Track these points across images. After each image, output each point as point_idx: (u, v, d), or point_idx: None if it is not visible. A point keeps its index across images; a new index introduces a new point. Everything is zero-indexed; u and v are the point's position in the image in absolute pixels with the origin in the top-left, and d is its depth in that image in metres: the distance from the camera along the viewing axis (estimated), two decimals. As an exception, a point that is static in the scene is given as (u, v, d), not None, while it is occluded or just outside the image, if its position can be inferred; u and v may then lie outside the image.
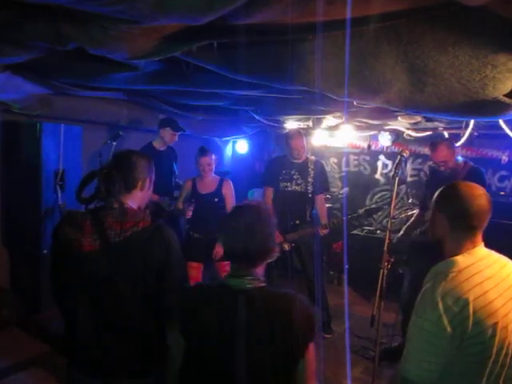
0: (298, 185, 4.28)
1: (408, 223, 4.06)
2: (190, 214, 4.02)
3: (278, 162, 4.51)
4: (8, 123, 4.22)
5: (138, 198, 1.80)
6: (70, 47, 2.04)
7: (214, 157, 4.12)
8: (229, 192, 4.14)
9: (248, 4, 1.34)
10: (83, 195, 1.78)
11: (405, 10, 1.59)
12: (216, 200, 4.07)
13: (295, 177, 4.29)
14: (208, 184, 4.12)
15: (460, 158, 3.78)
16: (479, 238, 1.59)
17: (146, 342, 1.73)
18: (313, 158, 4.46)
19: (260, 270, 1.54)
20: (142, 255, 1.66)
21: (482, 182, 3.42)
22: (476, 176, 3.47)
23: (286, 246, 4.18)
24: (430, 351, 1.44)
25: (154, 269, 1.67)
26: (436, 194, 1.68)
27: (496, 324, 1.43)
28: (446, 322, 1.40)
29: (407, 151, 2.96)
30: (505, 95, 2.17)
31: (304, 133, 5.51)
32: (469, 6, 1.46)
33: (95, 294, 1.69)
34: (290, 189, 4.29)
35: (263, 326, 1.41)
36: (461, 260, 1.53)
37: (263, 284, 1.50)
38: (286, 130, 6.11)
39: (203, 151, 4.06)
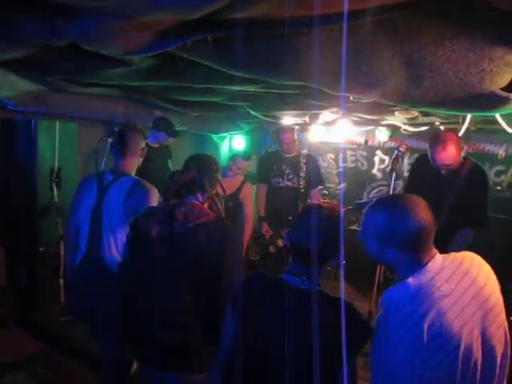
0: (289, 180, 4.26)
1: None
2: None
3: (269, 158, 4.52)
4: (3, 121, 4.19)
5: (209, 199, 2.06)
6: (63, 43, 2.02)
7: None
8: (247, 197, 4.11)
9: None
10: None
11: (401, 3, 1.58)
12: (229, 205, 3.87)
13: (286, 172, 4.27)
14: (230, 185, 3.97)
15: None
16: (429, 252, 1.42)
17: (196, 333, 1.84)
18: (305, 152, 4.44)
19: (319, 272, 1.53)
20: (199, 245, 1.83)
21: (484, 185, 3.07)
22: (479, 175, 3.05)
23: (280, 242, 4.17)
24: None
25: (210, 259, 1.81)
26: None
27: (458, 348, 1.31)
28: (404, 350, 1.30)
29: (404, 146, 2.95)
30: (502, 89, 2.17)
31: (299, 128, 5.50)
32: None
33: (151, 280, 1.88)
34: (281, 184, 4.27)
35: (312, 327, 1.38)
36: (412, 282, 1.37)
37: (318, 287, 1.51)
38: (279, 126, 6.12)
39: (247, 156, 4.11)
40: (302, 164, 4.26)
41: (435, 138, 2.98)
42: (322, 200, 4.39)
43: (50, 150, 4.10)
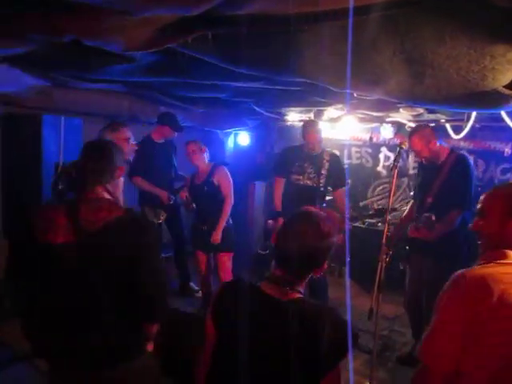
0: (310, 179, 4.14)
1: (402, 216, 4.01)
2: (191, 206, 4.09)
3: (291, 153, 4.34)
4: (8, 115, 4.22)
5: (118, 186, 1.84)
6: (66, 39, 2.03)
7: (201, 145, 4.08)
8: (222, 179, 4.05)
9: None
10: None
11: (402, 1, 1.57)
12: (206, 189, 4.02)
13: (308, 170, 4.14)
14: (201, 173, 4.11)
15: (445, 146, 3.61)
16: None
17: (121, 331, 1.72)
18: (329, 150, 4.36)
19: (301, 281, 1.47)
20: (114, 244, 1.65)
21: (466, 172, 3.32)
22: (460, 165, 3.35)
23: None
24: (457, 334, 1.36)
25: (128, 257, 1.65)
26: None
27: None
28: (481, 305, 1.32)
29: (406, 143, 2.94)
30: (505, 86, 2.15)
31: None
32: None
33: (67, 284, 1.67)
34: (301, 182, 4.15)
35: (291, 338, 1.36)
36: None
37: (300, 295, 1.44)
38: (289, 122, 6.07)
39: (187, 142, 4.10)
40: (324, 161, 4.13)
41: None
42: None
43: (55, 145, 4.12)
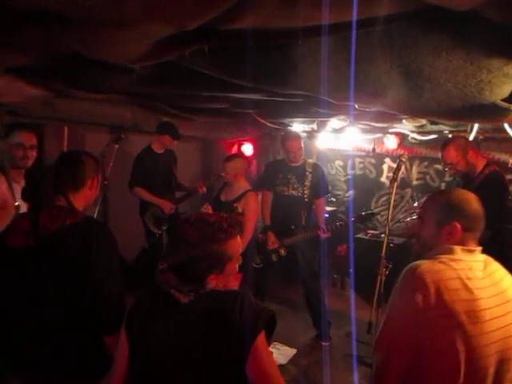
0: (294, 189, 4.22)
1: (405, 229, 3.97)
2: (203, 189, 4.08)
3: (275, 166, 4.47)
4: (13, 124, 4.25)
5: (84, 197, 1.84)
6: (65, 51, 2.05)
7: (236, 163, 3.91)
8: (248, 207, 3.75)
9: (233, 9, 1.33)
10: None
11: (396, 14, 1.57)
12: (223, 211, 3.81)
13: (292, 181, 4.23)
14: (232, 191, 3.88)
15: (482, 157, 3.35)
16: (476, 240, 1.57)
17: (72, 344, 1.70)
18: (311, 161, 4.41)
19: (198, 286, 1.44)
20: (63, 251, 1.65)
21: (497, 189, 3.07)
22: (490, 182, 3.07)
23: (282, 251, 4.15)
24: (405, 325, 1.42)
25: (78, 263, 1.64)
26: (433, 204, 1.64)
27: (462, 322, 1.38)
28: (420, 297, 1.39)
29: (406, 155, 2.93)
30: (503, 100, 2.14)
31: (307, 135, 5.47)
32: (460, 11, 1.44)
33: (19, 290, 1.69)
34: (286, 193, 4.23)
35: (198, 334, 1.36)
36: (459, 250, 1.51)
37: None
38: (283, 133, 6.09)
39: (227, 157, 3.95)
40: (307, 173, 4.21)
41: (443, 142, 3.29)
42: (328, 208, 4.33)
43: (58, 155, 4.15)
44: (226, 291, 1.44)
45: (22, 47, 2.08)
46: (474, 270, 1.49)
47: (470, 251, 1.53)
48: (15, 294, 1.71)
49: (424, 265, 1.47)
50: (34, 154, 2.91)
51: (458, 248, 1.52)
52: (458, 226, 1.52)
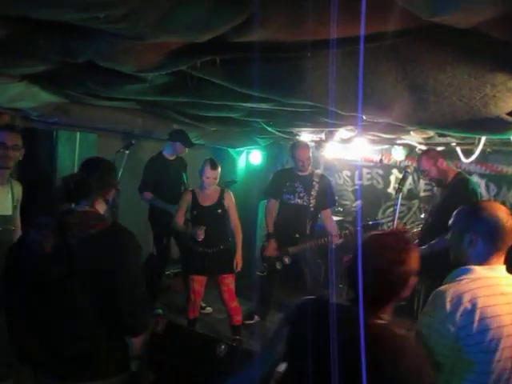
0: (300, 198, 4.27)
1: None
2: (201, 236, 3.82)
3: (283, 174, 4.53)
4: (25, 130, 4.34)
5: (105, 202, 1.88)
6: (80, 60, 2.12)
7: (219, 170, 3.98)
8: (231, 203, 4.04)
9: (243, 24, 1.39)
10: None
11: (401, 30, 1.61)
12: (219, 211, 3.95)
13: (298, 190, 4.28)
14: (209, 195, 3.98)
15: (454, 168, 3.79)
16: (502, 258, 1.62)
17: (97, 344, 1.74)
18: (319, 171, 4.46)
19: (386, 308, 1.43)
20: (94, 257, 1.69)
21: (464, 195, 3.31)
22: (457, 189, 3.42)
23: (287, 260, 4.18)
24: (435, 350, 1.47)
25: (105, 269, 1.69)
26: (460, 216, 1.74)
27: (499, 340, 1.45)
28: (451, 322, 1.45)
29: (412, 167, 2.98)
30: (509, 114, 2.17)
31: (315, 145, 5.50)
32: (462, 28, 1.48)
33: (47, 294, 1.72)
34: (292, 202, 4.28)
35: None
36: (479, 269, 1.57)
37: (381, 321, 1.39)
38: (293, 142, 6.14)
39: (213, 165, 3.90)
40: (314, 183, 4.26)
41: None
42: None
43: (70, 160, 4.22)
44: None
45: (39, 56, 2.15)
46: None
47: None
48: (44, 298, 1.74)
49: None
50: (16, 154, 2.87)
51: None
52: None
